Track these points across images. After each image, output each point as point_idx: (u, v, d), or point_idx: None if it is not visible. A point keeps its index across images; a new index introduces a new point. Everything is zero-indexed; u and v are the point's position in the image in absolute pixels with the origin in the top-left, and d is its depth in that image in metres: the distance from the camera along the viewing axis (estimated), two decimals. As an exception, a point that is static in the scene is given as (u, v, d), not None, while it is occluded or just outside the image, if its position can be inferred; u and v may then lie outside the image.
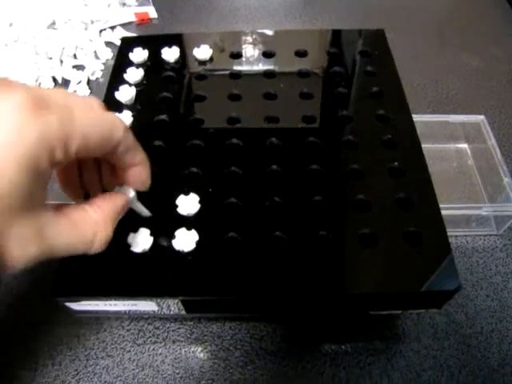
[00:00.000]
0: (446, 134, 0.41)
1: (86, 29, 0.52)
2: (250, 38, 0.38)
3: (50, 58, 0.49)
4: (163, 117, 0.32)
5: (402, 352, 0.31)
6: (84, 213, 0.21)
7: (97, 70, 0.49)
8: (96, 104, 0.21)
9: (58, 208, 0.20)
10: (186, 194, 0.28)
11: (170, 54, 0.36)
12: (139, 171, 0.23)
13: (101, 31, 0.53)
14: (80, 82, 0.47)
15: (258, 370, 0.30)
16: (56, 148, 0.18)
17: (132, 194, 0.24)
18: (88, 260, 0.25)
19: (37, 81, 0.47)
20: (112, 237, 0.22)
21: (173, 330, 0.31)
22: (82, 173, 0.24)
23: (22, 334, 0.31)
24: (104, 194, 0.23)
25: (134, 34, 0.52)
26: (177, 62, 0.36)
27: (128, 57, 0.36)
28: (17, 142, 0.17)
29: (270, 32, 0.39)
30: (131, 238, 0.26)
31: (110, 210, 0.22)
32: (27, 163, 0.17)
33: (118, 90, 0.33)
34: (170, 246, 0.26)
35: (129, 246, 0.26)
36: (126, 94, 0.33)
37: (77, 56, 0.50)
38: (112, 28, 0.54)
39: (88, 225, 0.21)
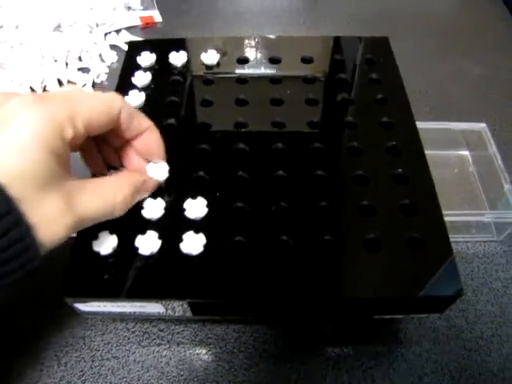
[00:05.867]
0: (447, 141, 0.41)
1: (91, 32, 0.53)
2: (256, 44, 0.39)
3: (56, 61, 0.49)
4: (171, 121, 0.33)
5: (403, 355, 0.31)
6: (105, 178, 0.25)
7: (102, 72, 0.49)
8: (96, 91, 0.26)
9: (83, 179, 0.23)
10: (194, 197, 0.28)
11: (178, 58, 0.36)
12: (149, 136, 0.26)
13: (106, 34, 0.54)
14: (85, 85, 0.48)
15: (261, 373, 0.30)
16: (64, 125, 0.21)
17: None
18: (97, 261, 0.26)
19: (42, 83, 0.47)
20: (132, 203, 0.25)
21: (177, 333, 0.32)
22: (103, 156, 0.27)
23: (28, 334, 0.32)
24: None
25: (138, 38, 0.52)
26: (184, 66, 0.37)
27: (136, 60, 0.36)
28: (30, 126, 0.20)
29: (276, 38, 0.40)
30: (139, 240, 0.26)
31: (130, 178, 0.25)
32: (42, 142, 0.20)
33: (127, 94, 0.33)
34: (178, 249, 0.26)
35: (137, 248, 0.26)
36: (135, 99, 0.33)
37: (82, 59, 0.50)
38: (117, 31, 0.54)
39: (109, 186, 0.24)
